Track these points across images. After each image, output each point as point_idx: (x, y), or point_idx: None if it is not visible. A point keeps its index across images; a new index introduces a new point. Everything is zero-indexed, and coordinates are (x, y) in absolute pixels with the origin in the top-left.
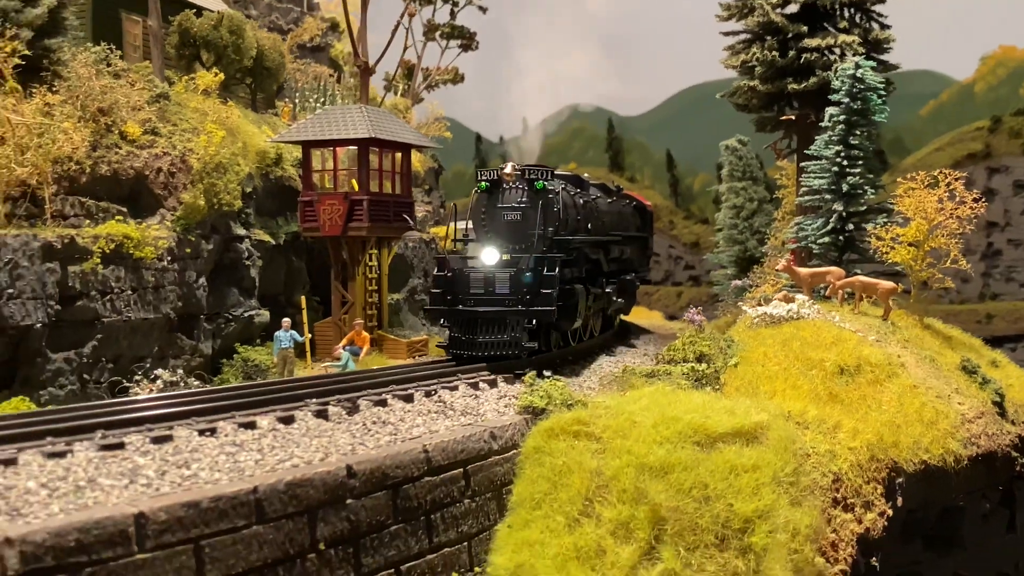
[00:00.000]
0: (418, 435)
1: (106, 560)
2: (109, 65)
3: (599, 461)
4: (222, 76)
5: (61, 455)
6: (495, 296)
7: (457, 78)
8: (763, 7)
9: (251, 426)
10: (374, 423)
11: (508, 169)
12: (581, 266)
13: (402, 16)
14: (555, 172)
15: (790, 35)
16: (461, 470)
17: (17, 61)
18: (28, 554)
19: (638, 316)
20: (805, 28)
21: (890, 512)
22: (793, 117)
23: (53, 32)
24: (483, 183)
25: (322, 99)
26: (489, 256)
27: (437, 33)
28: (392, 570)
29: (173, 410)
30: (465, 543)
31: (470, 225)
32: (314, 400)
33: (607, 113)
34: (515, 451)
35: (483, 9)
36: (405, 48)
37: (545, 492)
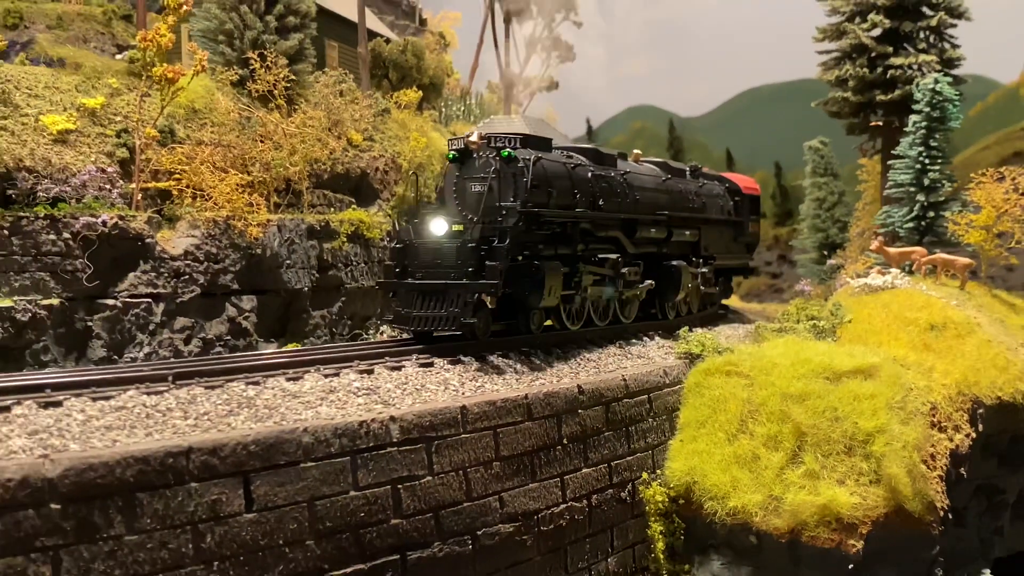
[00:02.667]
0: (613, 370)
1: (445, 436)
2: (343, 83)
3: (749, 392)
4: (420, 94)
5: (398, 368)
6: (441, 268)
7: (552, 86)
8: (854, 31)
9: (506, 356)
10: (583, 360)
11: (474, 137)
12: (574, 243)
13: (539, 39)
14: (557, 144)
15: (876, 54)
16: (646, 396)
17: (285, 84)
18: (404, 427)
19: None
20: (890, 48)
21: (973, 435)
22: (880, 123)
23: (299, 59)
24: (451, 153)
25: (462, 107)
26: (438, 226)
27: (538, 46)
28: (606, 464)
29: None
30: (650, 451)
31: None
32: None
33: (668, 114)
34: (680, 385)
35: (578, 24)
36: (548, 68)
37: (707, 416)
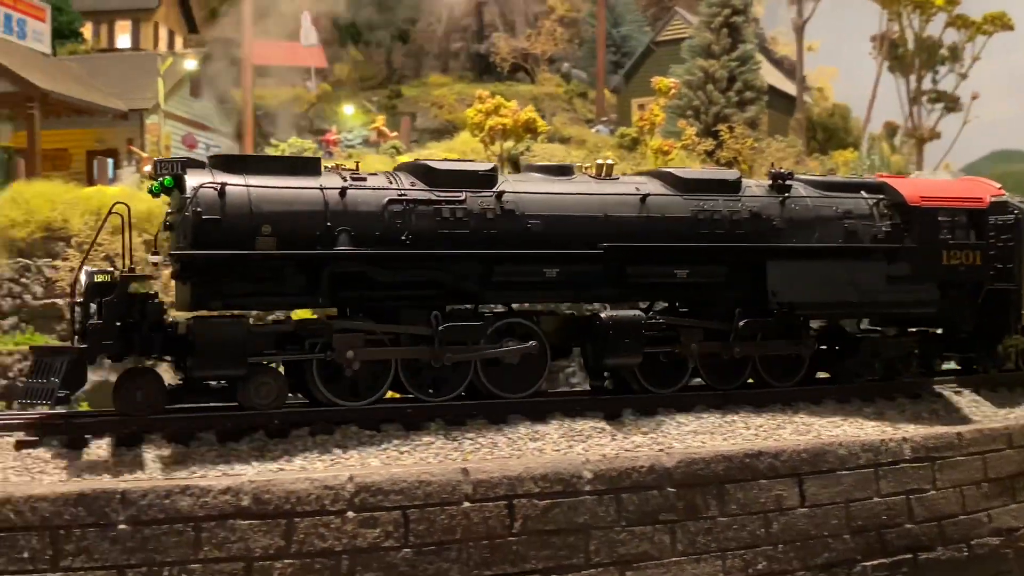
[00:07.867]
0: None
1: (945, 456)
2: (793, 147)
3: None
4: (856, 153)
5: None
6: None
7: (933, 136)
8: None
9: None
10: (926, 412)
11: (148, 167)
12: (326, 294)
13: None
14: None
15: None
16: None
17: (749, 150)
18: (913, 447)
19: None
20: None
21: None
22: None
23: (753, 127)
24: (155, 185)
25: (867, 161)
26: (85, 275)
27: (924, 98)
28: None
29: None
30: None
31: None
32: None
33: None
34: None
35: (963, 76)
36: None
37: None
